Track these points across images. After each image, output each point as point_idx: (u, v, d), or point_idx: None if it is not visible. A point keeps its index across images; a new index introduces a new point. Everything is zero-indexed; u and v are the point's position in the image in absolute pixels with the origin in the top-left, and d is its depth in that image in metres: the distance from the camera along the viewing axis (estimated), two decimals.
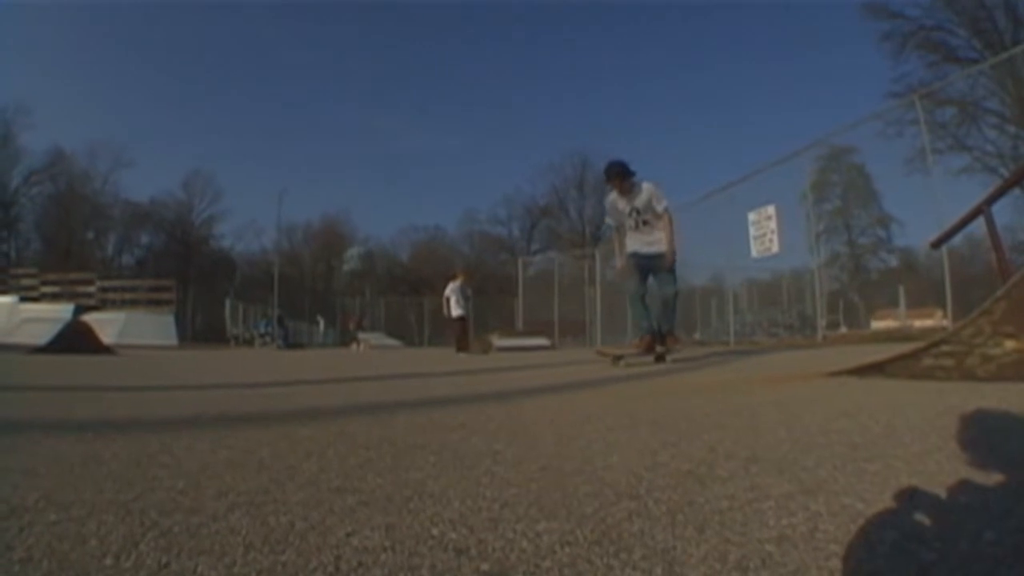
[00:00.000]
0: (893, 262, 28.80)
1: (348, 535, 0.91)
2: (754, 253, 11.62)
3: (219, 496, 1.13)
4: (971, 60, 22.69)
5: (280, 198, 33.31)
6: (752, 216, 11.49)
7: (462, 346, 11.76)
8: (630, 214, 5.42)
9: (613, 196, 5.55)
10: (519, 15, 68.96)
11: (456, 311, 12.20)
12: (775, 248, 11.17)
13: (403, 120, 72.11)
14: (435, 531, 0.92)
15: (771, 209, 11.22)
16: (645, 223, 5.40)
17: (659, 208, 5.32)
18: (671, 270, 5.32)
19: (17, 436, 1.77)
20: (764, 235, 11.30)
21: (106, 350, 10.06)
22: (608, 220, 5.80)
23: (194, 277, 37.39)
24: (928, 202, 8.78)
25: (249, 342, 25.29)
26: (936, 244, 5.33)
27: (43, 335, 9.73)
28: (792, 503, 1.02)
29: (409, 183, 73.32)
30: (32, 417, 2.34)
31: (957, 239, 5.27)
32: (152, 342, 16.44)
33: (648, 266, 5.40)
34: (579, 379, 3.98)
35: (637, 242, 5.44)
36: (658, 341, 5.44)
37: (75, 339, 9.70)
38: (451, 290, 12.38)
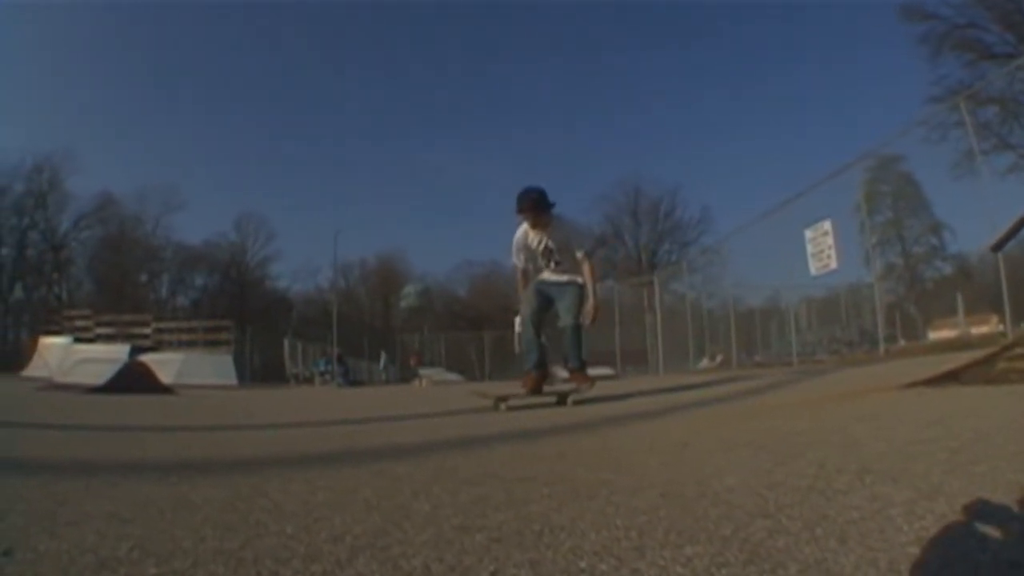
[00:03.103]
0: (948, 270, 27.63)
1: (493, 574, 0.85)
2: (813, 271, 11.24)
3: (335, 540, 1.02)
4: (1007, 56, 21.85)
5: (335, 238, 34.09)
6: (809, 233, 11.15)
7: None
8: (543, 254, 4.60)
9: (524, 230, 4.63)
10: (562, 45, 70.42)
11: None
12: (833, 264, 10.82)
13: (452, 153, 72.38)
14: (582, 564, 0.87)
15: (827, 224, 10.88)
16: (558, 264, 4.60)
17: (579, 254, 4.57)
18: (581, 302, 4.52)
19: (91, 478, 1.66)
20: (822, 251, 10.95)
21: (167, 390, 10.21)
22: (514, 259, 4.77)
23: (250, 317, 37.87)
24: (977, 205, 8.71)
25: (309, 380, 25.40)
26: (996, 247, 5.20)
27: (101, 375, 9.88)
28: (917, 508, 1.03)
29: (463, 217, 74.22)
30: (103, 458, 2.27)
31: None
32: (211, 382, 16.63)
33: (552, 293, 4.63)
34: (660, 406, 3.82)
35: (545, 276, 4.68)
36: (572, 377, 4.68)
37: (134, 379, 9.80)
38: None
